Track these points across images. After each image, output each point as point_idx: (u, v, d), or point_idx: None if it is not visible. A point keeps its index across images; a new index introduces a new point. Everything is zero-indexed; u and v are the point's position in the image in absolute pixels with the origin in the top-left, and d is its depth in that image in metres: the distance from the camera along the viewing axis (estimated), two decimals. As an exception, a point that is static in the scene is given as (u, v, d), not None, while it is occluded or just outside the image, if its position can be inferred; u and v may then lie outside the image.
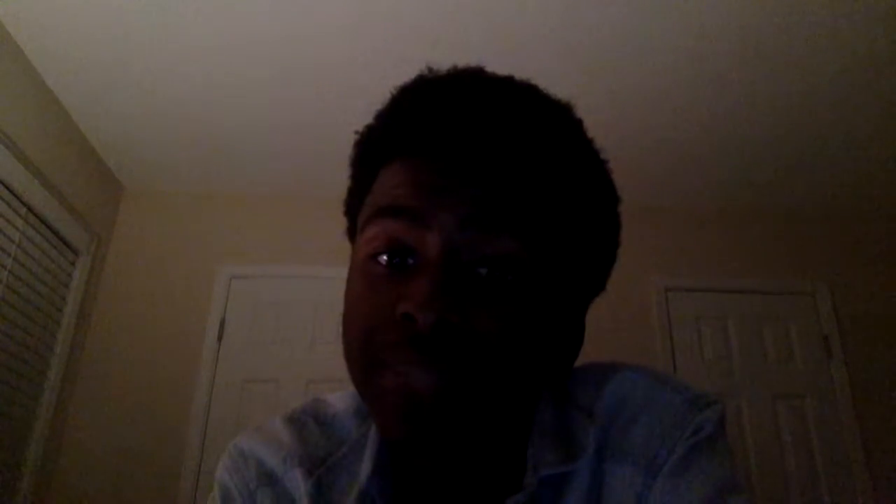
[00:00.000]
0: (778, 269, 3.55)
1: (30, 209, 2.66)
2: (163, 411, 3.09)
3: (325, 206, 2.18)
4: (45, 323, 2.85)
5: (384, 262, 0.52)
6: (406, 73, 0.58)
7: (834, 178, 3.36)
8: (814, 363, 3.36)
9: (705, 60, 2.57)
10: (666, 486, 0.52)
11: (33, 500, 2.77)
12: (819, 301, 3.47)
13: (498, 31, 2.42)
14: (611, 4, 2.31)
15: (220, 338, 3.27)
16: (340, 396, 0.66)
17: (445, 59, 0.59)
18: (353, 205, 0.61)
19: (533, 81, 0.57)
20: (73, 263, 3.07)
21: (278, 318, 3.30)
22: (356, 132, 0.60)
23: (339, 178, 0.66)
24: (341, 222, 0.64)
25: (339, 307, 0.55)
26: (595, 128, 0.60)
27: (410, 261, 0.51)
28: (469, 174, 0.51)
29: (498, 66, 0.58)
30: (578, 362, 0.63)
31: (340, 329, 0.53)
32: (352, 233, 0.61)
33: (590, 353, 0.65)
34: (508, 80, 0.55)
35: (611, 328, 3.06)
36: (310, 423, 0.63)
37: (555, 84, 0.61)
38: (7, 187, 2.50)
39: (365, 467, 0.57)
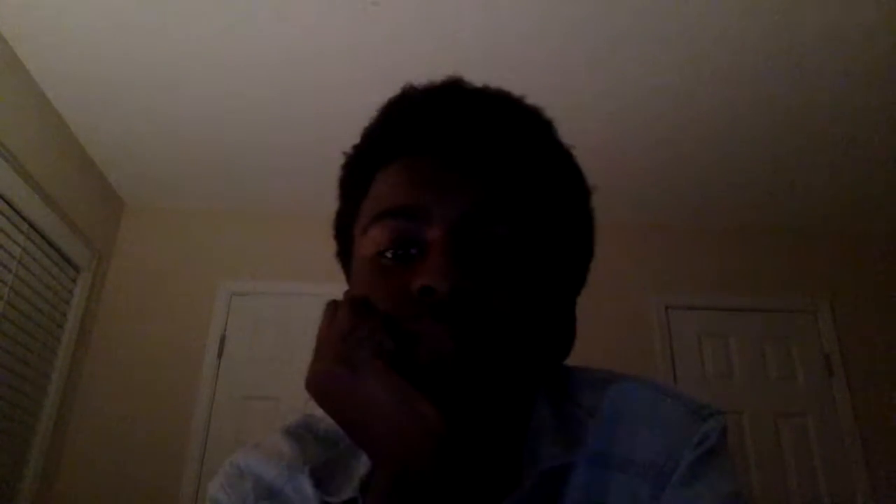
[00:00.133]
0: (779, 288, 3.55)
1: (31, 225, 2.66)
2: (162, 428, 3.08)
3: (325, 223, 2.18)
4: (45, 339, 2.85)
5: (390, 256, 0.54)
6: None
7: (835, 196, 3.37)
8: (815, 381, 3.35)
9: (704, 81, 2.58)
10: (673, 497, 0.52)
11: (31, 517, 2.76)
12: (820, 319, 3.47)
13: (496, 55, 2.43)
14: (610, 27, 2.32)
15: (220, 354, 3.27)
16: None
17: (445, 82, 0.61)
18: (345, 223, 0.63)
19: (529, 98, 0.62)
20: (73, 279, 3.07)
21: (279, 335, 3.30)
22: (344, 153, 0.63)
23: (336, 197, 0.67)
24: None
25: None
26: (596, 147, 0.62)
27: (413, 251, 0.54)
28: (465, 170, 0.55)
29: (497, 86, 0.60)
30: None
31: None
32: (343, 255, 0.64)
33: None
34: (486, 88, 0.60)
35: (612, 345, 3.06)
36: (307, 435, 0.64)
37: (554, 105, 0.63)
38: (8, 203, 2.51)
39: (364, 461, 0.57)
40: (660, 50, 2.44)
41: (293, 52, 2.48)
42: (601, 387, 0.59)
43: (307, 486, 0.57)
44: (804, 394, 3.33)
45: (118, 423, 3.08)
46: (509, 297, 0.52)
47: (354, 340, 0.49)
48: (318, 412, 0.65)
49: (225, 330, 3.32)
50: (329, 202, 0.67)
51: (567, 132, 0.62)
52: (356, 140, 0.64)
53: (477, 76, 0.61)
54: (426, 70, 0.66)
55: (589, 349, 0.64)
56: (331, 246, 0.66)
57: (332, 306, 0.54)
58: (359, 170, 0.62)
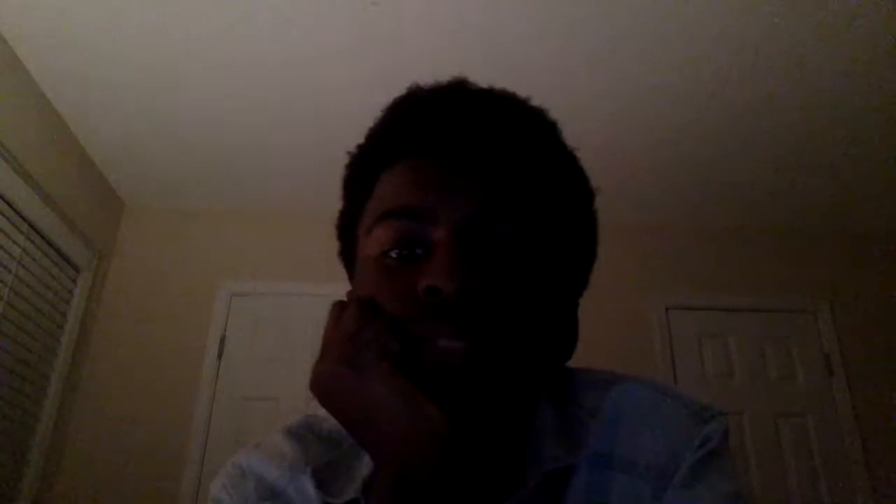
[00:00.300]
0: (779, 288, 3.55)
1: (31, 225, 2.66)
2: (162, 428, 3.08)
3: (325, 224, 2.19)
4: (45, 339, 2.85)
5: (395, 256, 0.54)
6: (405, 97, 0.59)
7: (835, 195, 3.37)
8: (815, 381, 3.35)
9: (704, 81, 2.58)
10: (675, 498, 0.52)
11: (31, 518, 2.76)
12: (820, 319, 3.47)
13: (496, 55, 2.43)
14: (610, 27, 2.32)
15: (220, 355, 3.27)
16: None
17: (446, 83, 0.61)
18: (349, 223, 0.63)
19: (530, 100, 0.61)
20: (74, 280, 3.07)
21: (279, 336, 3.30)
22: (348, 152, 0.63)
23: (340, 196, 0.67)
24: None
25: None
26: (595, 148, 0.62)
27: (419, 251, 0.54)
28: (470, 171, 0.55)
29: (498, 87, 0.60)
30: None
31: None
32: (346, 254, 0.64)
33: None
34: (491, 89, 0.60)
35: (612, 346, 3.06)
36: (309, 435, 0.64)
37: (555, 105, 0.62)
38: (9, 203, 2.51)
39: (367, 462, 0.57)
40: (660, 50, 2.44)
41: (293, 52, 2.47)
42: (603, 388, 0.60)
43: (309, 487, 0.57)
44: (804, 394, 3.33)
45: (118, 423, 3.08)
46: (514, 297, 0.52)
47: (360, 342, 0.49)
48: (321, 412, 0.65)
49: (225, 330, 3.32)
50: (329, 203, 0.68)
51: (567, 132, 0.62)
52: (356, 141, 0.63)
53: (477, 76, 0.61)
54: (426, 71, 0.67)
55: (589, 349, 0.64)
56: (331, 246, 0.66)
57: (338, 307, 0.54)
58: (363, 170, 0.61)
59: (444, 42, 2.40)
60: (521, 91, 0.61)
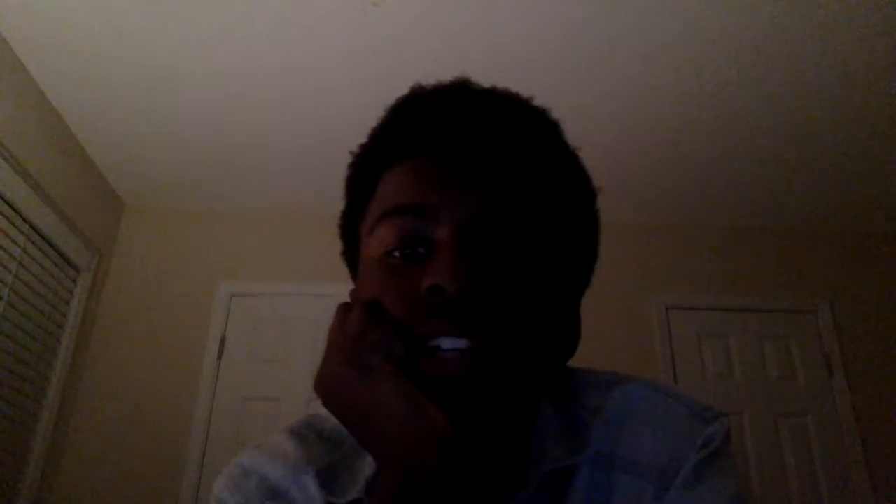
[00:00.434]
0: (779, 287, 3.55)
1: (31, 226, 2.66)
2: (163, 429, 3.08)
3: (325, 223, 2.19)
4: (45, 339, 2.85)
5: (398, 256, 0.54)
6: (405, 97, 0.59)
7: (835, 195, 3.37)
8: (815, 381, 3.35)
9: (704, 81, 2.58)
10: (678, 498, 0.52)
11: (31, 518, 2.76)
12: (820, 319, 3.47)
13: (496, 55, 2.43)
14: (610, 27, 2.32)
15: (220, 355, 3.27)
16: None
17: (446, 83, 0.61)
18: (351, 223, 0.63)
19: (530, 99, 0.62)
20: (74, 280, 3.07)
21: (279, 336, 3.30)
22: (350, 152, 0.63)
23: (340, 196, 0.66)
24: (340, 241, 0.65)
25: (339, 325, 0.55)
26: (596, 148, 0.62)
27: (421, 250, 0.54)
28: (472, 170, 0.55)
29: (499, 87, 0.60)
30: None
31: None
32: (349, 254, 0.64)
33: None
34: (493, 88, 0.60)
35: (612, 346, 3.06)
36: (311, 435, 0.63)
37: (555, 105, 0.62)
38: (9, 204, 2.51)
39: (370, 462, 0.57)
40: (660, 50, 2.44)
41: (293, 53, 2.47)
42: (606, 388, 0.60)
43: (313, 487, 0.57)
44: (804, 394, 3.33)
45: (118, 423, 3.08)
46: (517, 296, 0.52)
47: (365, 344, 0.50)
48: (322, 412, 0.66)
49: (225, 330, 3.32)
50: (329, 203, 0.68)
51: (567, 132, 0.62)
52: (356, 141, 0.63)
53: (477, 76, 0.61)
54: (426, 71, 0.67)
55: (589, 349, 0.64)
56: (330, 247, 0.66)
57: (343, 309, 0.54)
58: (366, 169, 0.62)
59: (443, 42, 2.40)
60: (522, 91, 0.61)
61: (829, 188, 3.31)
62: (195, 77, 2.60)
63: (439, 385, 0.49)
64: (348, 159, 0.64)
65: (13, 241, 2.57)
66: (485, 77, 0.61)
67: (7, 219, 2.52)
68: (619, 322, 3.29)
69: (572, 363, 0.64)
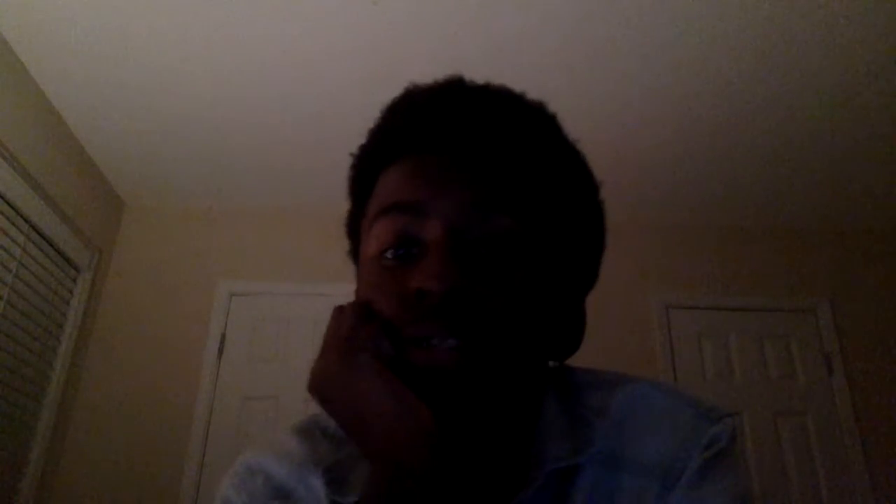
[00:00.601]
0: (779, 286, 3.55)
1: (31, 225, 2.66)
2: (163, 428, 3.08)
3: (325, 223, 2.19)
4: (45, 339, 2.85)
5: (391, 256, 0.55)
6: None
7: (834, 194, 3.37)
8: (815, 380, 3.36)
9: (703, 81, 2.58)
10: (683, 498, 0.52)
11: (31, 517, 2.76)
12: (820, 318, 3.47)
13: (496, 55, 2.43)
14: (612, 26, 2.32)
15: (220, 354, 3.27)
16: None
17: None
18: (355, 223, 0.64)
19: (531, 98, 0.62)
20: (73, 279, 3.07)
21: (278, 335, 3.30)
22: (351, 154, 0.64)
23: (340, 196, 0.67)
24: (341, 239, 0.66)
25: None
26: (596, 148, 0.62)
27: (415, 250, 0.54)
28: (463, 166, 0.55)
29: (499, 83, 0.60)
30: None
31: None
32: (355, 254, 0.64)
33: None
34: (487, 85, 0.61)
35: (613, 345, 3.06)
36: (316, 433, 0.63)
37: (556, 103, 0.62)
38: (9, 203, 2.51)
39: None
40: (660, 50, 2.44)
41: (293, 52, 2.47)
42: (610, 388, 0.60)
43: (319, 486, 0.57)
44: (804, 392, 3.33)
45: (118, 422, 3.08)
46: (509, 294, 0.52)
47: (355, 343, 0.51)
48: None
49: (225, 329, 3.32)
50: (329, 202, 0.68)
51: (567, 132, 0.62)
52: (356, 140, 0.64)
53: (477, 76, 0.61)
54: (426, 70, 0.67)
55: (589, 348, 0.64)
56: (330, 246, 0.67)
57: (339, 311, 0.55)
58: (364, 169, 0.62)
59: (443, 42, 2.40)
60: (522, 90, 0.61)
61: (829, 188, 3.31)
62: (194, 76, 2.60)
63: (428, 375, 0.50)
64: (348, 159, 0.64)
65: (13, 241, 2.57)
66: (485, 76, 0.62)
67: (7, 218, 2.52)
68: (619, 321, 3.28)
69: (573, 362, 0.64)
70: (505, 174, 0.55)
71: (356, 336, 0.51)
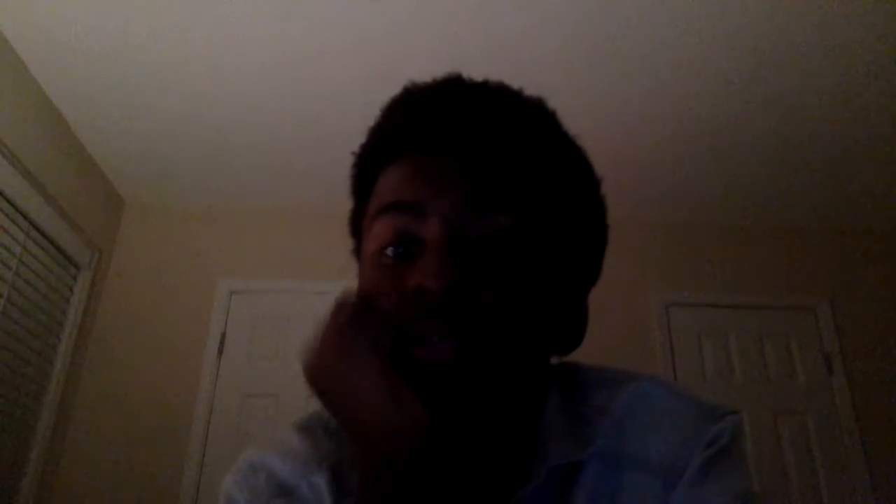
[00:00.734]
0: (779, 285, 3.55)
1: (31, 223, 2.66)
2: (163, 426, 3.08)
3: (325, 221, 2.19)
4: (45, 337, 2.85)
5: (390, 254, 0.55)
6: (405, 92, 0.60)
7: (834, 194, 3.37)
8: (815, 379, 3.35)
9: (704, 80, 2.58)
10: (684, 496, 0.52)
11: (31, 515, 2.76)
12: (820, 317, 3.47)
13: (496, 54, 2.43)
14: (612, 25, 2.32)
15: (220, 352, 3.27)
16: None
17: (446, 79, 0.61)
18: (357, 222, 0.64)
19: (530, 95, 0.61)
20: (74, 277, 3.07)
21: (278, 333, 3.30)
22: (352, 153, 0.64)
23: (340, 194, 0.67)
24: (341, 237, 0.67)
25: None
26: (596, 146, 0.62)
27: (414, 249, 0.54)
28: (462, 164, 0.55)
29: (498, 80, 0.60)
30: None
31: None
32: (358, 252, 0.64)
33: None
34: (485, 82, 0.61)
35: (612, 343, 3.05)
36: (318, 430, 0.63)
37: (556, 102, 0.62)
38: (9, 201, 2.51)
39: None
40: (660, 50, 2.44)
41: (293, 50, 2.47)
42: (613, 386, 0.60)
43: (323, 484, 0.57)
44: (804, 392, 3.33)
45: (118, 421, 3.08)
46: (508, 292, 0.52)
47: (352, 336, 0.51)
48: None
49: (225, 327, 3.32)
50: (329, 201, 0.68)
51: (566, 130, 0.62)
52: (356, 138, 0.64)
53: (477, 75, 0.61)
54: (426, 68, 0.67)
55: (588, 347, 0.64)
56: (330, 244, 0.67)
57: (339, 302, 0.55)
58: (365, 168, 0.62)
59: (443, 41, 2.40)
60: (522, 90, 0.61)
61: (829, 188, 3.31)
62: (194, 75, 2.60)
63: (428, 371, 0.50)
64: (349, 157, 0.64)
65: (13, 239, 2.57)
66: (485, 75, 0.62)
67: (7, 216, 2.52)
68: (619, 319, 3.28)
69: (574, 360, 0.64)
70: (504, 172, 0.55)
71: (354, 327, 0.51)
